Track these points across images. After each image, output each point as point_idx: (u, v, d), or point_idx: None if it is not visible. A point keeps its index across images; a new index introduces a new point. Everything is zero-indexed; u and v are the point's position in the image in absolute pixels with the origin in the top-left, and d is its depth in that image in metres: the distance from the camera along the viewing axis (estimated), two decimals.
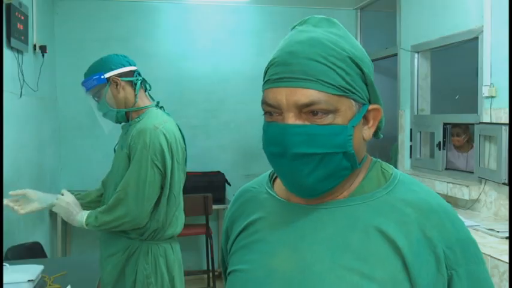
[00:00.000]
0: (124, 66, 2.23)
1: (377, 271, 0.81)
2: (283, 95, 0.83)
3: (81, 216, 2.14)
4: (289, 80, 0.82)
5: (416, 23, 4.08)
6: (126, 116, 2.26)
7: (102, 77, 2.19)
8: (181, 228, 2.26)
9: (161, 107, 2.30)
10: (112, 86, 2.19)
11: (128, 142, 2.14)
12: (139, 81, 2.24)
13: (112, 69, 2.20)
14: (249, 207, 0.98)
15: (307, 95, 0.81)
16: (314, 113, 0.82)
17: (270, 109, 0.85)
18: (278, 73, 0.84)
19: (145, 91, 2.29)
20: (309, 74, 0.82)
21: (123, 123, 2.30)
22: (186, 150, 2.28)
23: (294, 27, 0.91)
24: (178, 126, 2.27)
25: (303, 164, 0.83)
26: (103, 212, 2.11)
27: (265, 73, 0.88)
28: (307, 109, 0.82)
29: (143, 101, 2.25)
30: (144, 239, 2.17)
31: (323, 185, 0.85)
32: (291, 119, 0.82)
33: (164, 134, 2.11)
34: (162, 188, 2.13)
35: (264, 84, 0.88)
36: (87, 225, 2.12)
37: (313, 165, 0.83)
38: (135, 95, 2.21)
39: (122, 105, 2.21)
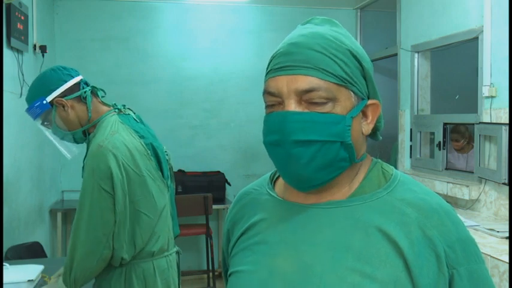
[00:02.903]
0: (65, 81, 1.92)
1: (378, 271, 0.81)
2: (284, 83, 0.85)
3: (59, 283, 1.85)
4: (290, 68, 0.85)
5: (416, 23, 4.08)
6: (85, 134, 1.98)
7: (44, 102, 1.90)
8: (163, 243, 1.95)
9: (119, 109, 2.00)
10: (59, 110, 1.91)
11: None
12: (89, 92, 1.95)
13: (52, 91, 1.91)
14: (250, 209, 0.98)
15: (307, 81, 0.83)
16: (314, 101, 0.83)
17: (271, 98, 0.87)
18: (280, 62, 0.86)
19: (99, 97, 1.99)
20: (309, 62, 0.84)
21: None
22: (156, 154, 1.97)
23: (297, 26, 0.94)
24: (141, 129, 1.96)
25: (301, 151, 0.83)
26: (69, 261, 1.81)
27: (268, 65, 0.90)
28: (307, 96, 0.83)
29: (98, 112, 1.95)
30: (117, 266, 1.88)
31: (320, 175, 0.86)
32: (292, 106, 0.84)
33: (110, 151, 1.79)
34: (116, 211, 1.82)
35: (266, 74, 0.89)
36: (67, 285, 1.82)
37: (311, 154, 0.83)
38: (88, 110, 1.93)
39: (76, 125, 1.94)
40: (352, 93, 0.86)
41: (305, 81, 0.83)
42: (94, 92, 1.98)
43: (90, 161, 1.81)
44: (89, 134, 1.96)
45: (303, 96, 0.84)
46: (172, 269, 2.02)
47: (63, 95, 1.91)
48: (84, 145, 2.02)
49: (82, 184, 1.82)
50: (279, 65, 0.86)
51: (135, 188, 1.84)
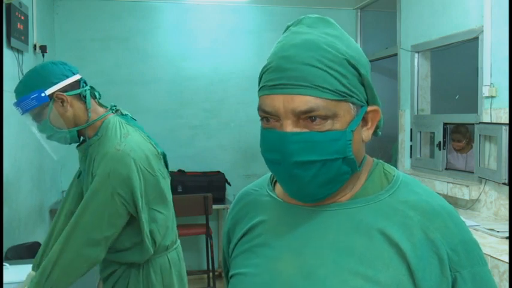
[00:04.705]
0: (67, 77, 1.83)
1: (381, 275, 0.80)
2: (280, 102, 0.81)
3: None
4: (286, 87, 0.81)
5: (416, 23, 4.08)
6: (78, 135, 1.90)
7: (43, 94, 1.79)
8: (174, 236, 2.00)
9: (117, 110, 1.96)
10: (57, 104, 1.81)
11: (91, 169, 1.82)
12: (89, 91, 1.88)
13: (54, 84, 1.80)
14: (251, 210, 0.97)
15: (305, 101, 0.80)
16: (312, 119, 0.81)
17: (267, 115, 0.84)
18: (274, 79, 0.82)
19: (96, 99, 1.92)
20: (305, 79, 0.80)
21: (78, 145, 1.94)
22: (159, 151, 1.95)
23: (288, 27, 0.89)
24: (141, 129, 1.94)
25: (302, 171, 0.82)
26: (50, 264, 1.72)
27: (260, 78, 0.86)
28: (305, 116, 0.80)
29: (96, 112, 1.89)
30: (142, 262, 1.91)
31: (323, 191, 0.85)
32: (289, 127, 0.81)
33: (128, 154, 1.77)
34: (132, 215, 1.83)
35: (259, 90, 0.86)
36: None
37: (313, 173, 0.82)
38: (87, 109, 1.85)
39: (71, 124, 1.85)
40: (351, 104, 0.83)
41: (302, 101, 0.79)
42: (92, 92, 1.92)
43: (107, 164, 1.76)
44: (89, 137, 1.88)
45: (301, 115, 0.80)
46: (182, 261, 2.06)
47: (64, 90, 1.82)
48: (71, 146, 1.97)
49: (92, 186, 1.77)
50: (272, 82, 0.82)
51: (150, 189, 1.85)
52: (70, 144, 1.94)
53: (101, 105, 1.95)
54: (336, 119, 0.81)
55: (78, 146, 1.94)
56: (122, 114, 1.97)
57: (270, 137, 0.84)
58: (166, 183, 1.96)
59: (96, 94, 1.94)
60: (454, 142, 4.00)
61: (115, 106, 1.98)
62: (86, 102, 1.86)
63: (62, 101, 1.82)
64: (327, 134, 0.81)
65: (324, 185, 0.84)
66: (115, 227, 1.78)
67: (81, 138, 1.93)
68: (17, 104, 1.85)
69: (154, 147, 1.92)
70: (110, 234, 1.77)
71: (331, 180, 0.84)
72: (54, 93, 1.80)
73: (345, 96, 0.82)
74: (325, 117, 0.81)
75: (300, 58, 0.81)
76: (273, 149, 0.83)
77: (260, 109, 0.85)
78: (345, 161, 0.83)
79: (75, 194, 2.02)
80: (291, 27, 0.88)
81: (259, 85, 0.86)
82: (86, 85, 1.90)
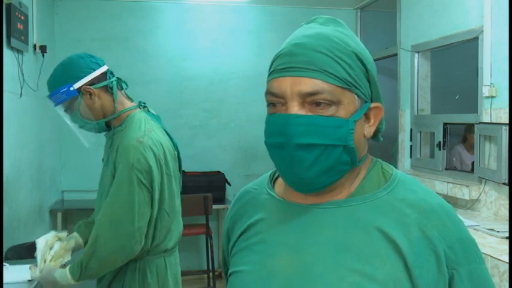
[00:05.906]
0: (94, 70, 1.90)
1: (378, 271, 0.81)
2: (287, 84, 0.84)
3: (60, 275, 1.81)
4: (294, 70, 0.84)
5: (416, 23, 4.08)
6: (107, 124, 1.97)
7: (72, 88, 1.87)
8: (176, 240, 2.01)
9: (145, 106, 2.03)
10: (85, 97, 1.89)
11: (113, 159, 1.88)
12: (115, 82, 1.94)
13: (81, 78, 1.88)
14: (250, 208, 0.98)
15: (311, 84, 0.82)
16: (317, 103, 0.83)
17: (274, 99, 0.86)
18: (283, 63, 0.85)
19: (122, 90, 2.00)
20: (314, 64, 0.83)
21: (106, 133, 2.02)
22: (178, 154, 2.04)
23: (301, 25, 0.92)
24: (165, 129, 2.01)
25: (304, 154, 0.83)
26: (87, 257, 1.79)
27: (271, 65, 0.89)
28: (310, 99, 0.83)
29: (123, 104, 1.96)
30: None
31: (322, 179, 0.85)
32: (295, 108, 0.83)
33: (151, 148, 1.83)
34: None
35: (269, 75, 0.88)
36: (77, 279, 1.81)
37: (314, 157, 0.83)
38: (114, 100, 1.92)
39: (100, 115, 1.92)
40: (355, 96, 0.85)
41: (309, 84, 0.82)
42: (118, 83, 1.97)
43: (129, 155, 1.80)
44: (113, 127, 1.95)
45: (307, 98, 0.83)
46: (178, 266, 2.08)
47: (91, 83, 1.89)
48: (99, 136, 2.04)
49: (118, 178, 1.81)
50: (282, 66, 0.85)
51: (165, 187, 1.89)
52: (100, 133, 2.02)
53: (128, 98, 2.01)
54: (340, 106, 0.83)
55: (106, 134, 2.02)
56: (149, 111, 2.03)
57: (275, 121, 0.85)
58: (177, 187, 1.99)
59: (123, 85, 2.00)
60: (470, 134, 3.98)
61: (144, 103, 2.04)
62: (112, 94, 1.93)
63: (90, 94, 1.89)
64: (330, 119, 0.83)
65: (323, 173, 0.84)
66: (145, 216, 1.81)
67: (110, 127, 1.99)
68: (49, 97, 1.93)
69: (173, 148, 1.97)
70: (142, 224, 1.81)
71: (331, 169, 0.84)
72: (81, 86, 1.88)
73: (350, 86, 0.84)
74: (329, 102, 0.83)
75: (310, 45, 0.84)
76: (277, 132, 0.85)
77: (268, 92, 0.87)
78: (345, 149, 0.84)
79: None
80: (304, 25, 0.92)
81: (269, 71, 0.89)
82: (113, 76, 1.96)
